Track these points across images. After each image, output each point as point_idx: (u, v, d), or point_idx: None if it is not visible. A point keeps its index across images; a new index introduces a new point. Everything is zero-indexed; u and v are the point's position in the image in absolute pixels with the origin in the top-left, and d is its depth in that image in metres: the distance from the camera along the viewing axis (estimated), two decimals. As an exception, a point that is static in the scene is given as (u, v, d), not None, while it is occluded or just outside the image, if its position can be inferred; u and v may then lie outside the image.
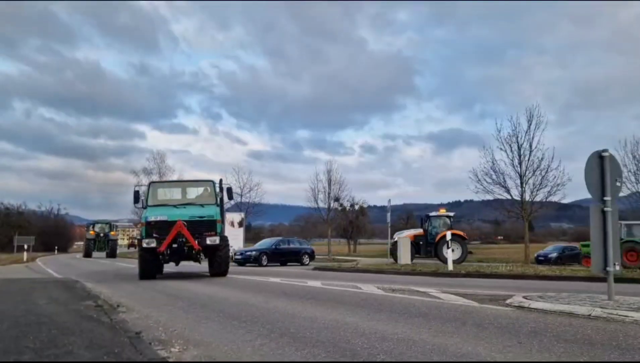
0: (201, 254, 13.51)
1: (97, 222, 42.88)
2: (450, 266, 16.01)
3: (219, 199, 14.31)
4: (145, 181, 51.67)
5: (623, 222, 25.47)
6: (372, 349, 3.97)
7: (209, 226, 13.15)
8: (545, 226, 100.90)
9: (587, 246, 22.51)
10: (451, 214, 27.63)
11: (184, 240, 12.61)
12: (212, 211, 13.48)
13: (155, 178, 51.02)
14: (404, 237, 25.26)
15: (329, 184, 42.08)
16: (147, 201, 14.05)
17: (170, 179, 49.95)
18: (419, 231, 26.98)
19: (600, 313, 5.53)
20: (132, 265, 24.53)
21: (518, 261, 27.78)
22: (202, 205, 13.79)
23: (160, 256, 13.00)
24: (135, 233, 79.70)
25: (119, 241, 59.63)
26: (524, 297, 6.90)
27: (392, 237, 25.98)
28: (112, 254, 38.05)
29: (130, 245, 78.81)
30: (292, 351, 3.99)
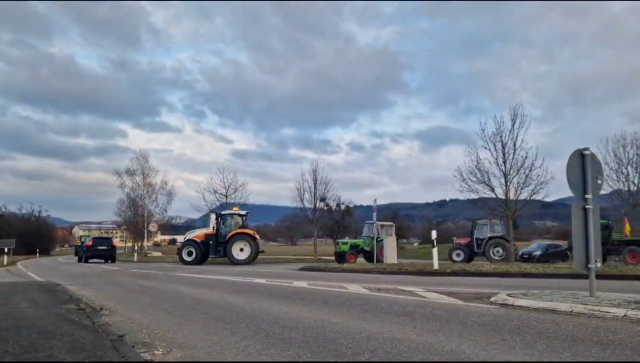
0: None
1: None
2: (436, 265, 16.10)
3: None
4: (128, 181, 51.55)
5: (379, 222, 27.59)
6: (358, 348, 3.97)
7: None
8: (530, 224, 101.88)
9: None
10: (242, 212, 28.76)
11: None
12: None
13: (139, 179, 50.75)
14: (390, 238, 25.35)
15: (315, 184, 41.96)
16: None
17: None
18: (209, 230, 27.81)
19: (582, 310, 5.60)
20: (117, 267, 24.24)
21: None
22: None
23: None
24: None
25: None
26: (508, 295, 6.97)
27: (184, 236, 28.52)
28: None
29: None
30: (277, 352, 3.97)
